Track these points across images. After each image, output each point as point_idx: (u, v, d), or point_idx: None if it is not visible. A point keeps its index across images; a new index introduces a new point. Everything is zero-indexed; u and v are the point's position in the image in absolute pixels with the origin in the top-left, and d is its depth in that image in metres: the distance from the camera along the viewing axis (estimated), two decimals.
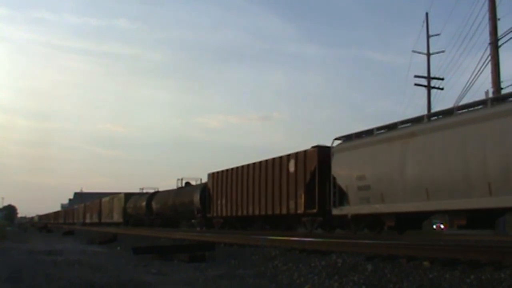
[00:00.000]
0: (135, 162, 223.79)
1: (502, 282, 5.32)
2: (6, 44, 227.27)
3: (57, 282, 6.71)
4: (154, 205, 38.49)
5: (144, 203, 40.32)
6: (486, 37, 22.28)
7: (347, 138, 17.32)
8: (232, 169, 25.58)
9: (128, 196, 45.82)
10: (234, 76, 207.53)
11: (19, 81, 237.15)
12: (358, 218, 16.23)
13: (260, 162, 22.76)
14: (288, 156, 20.64)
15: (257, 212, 22.44)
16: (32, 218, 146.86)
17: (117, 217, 47.73)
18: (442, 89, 32.22)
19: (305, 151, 19.56)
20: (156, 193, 40.53)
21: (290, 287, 6.53)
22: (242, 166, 24.39)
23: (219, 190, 26.46)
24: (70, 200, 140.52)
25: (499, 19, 22.07)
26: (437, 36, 33.44)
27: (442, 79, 31.98)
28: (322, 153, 18.37)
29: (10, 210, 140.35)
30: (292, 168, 20.07)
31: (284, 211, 20.34)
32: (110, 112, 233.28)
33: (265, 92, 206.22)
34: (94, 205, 61.17)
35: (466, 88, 23.83)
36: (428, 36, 32.94)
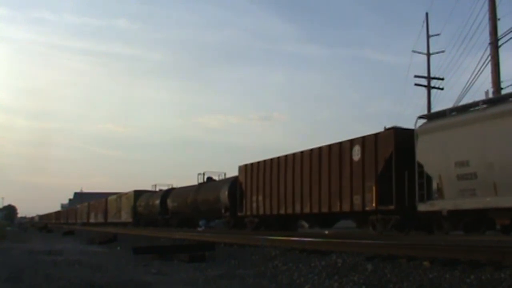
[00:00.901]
0: (135, 162, 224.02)
1: (502, 282, 5.32)
2: (6, 44, 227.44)
3: (57, 282, 6.71)
4: (170, 203, 35.14)
5: (157, 201, 37.06)
6: (486, 37, 22.31)
7: (437, 115, 14.86)
8: (272, 159, 22.45)
9: (138, 193, 42.46)
10: (234, 76, 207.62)
11: (19, 81, 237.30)
12: (457, 215, 13.45)
13: (311, 150, 19.60)
14: (351, 142, 17.40)
15: (307, 210, 19.34)
16: (32, 218, 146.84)
17: (125, 217, 44.61)
18: (442, 89, 32.28)
19: (376, 135, 16.58)
20: (172, 190, 37.14)
21: (290, 287, 6.53)
22: (286, 156, 21.25)
23: (254, 185, 23.26)
24: (70, 200, 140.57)
25: (499, 19, 22.09)
26: (437, 36, 33.46)
27: (442, 79, 32.03)
28: (400, 136, 15.65)
29: (10, 210, 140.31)
30: (357, 156, 17.00)
31: (345, 208, 17.24)
32: (110, 112, 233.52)
33: (265, 92, 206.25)
34: (99, 204, 57.77)
35: (466, 88, 23.84)
36: (428, 36, 32.98)
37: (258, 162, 23.34)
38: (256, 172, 23.34)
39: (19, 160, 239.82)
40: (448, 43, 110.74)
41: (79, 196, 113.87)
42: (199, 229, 31.35)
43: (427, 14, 33.22)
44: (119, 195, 48.80)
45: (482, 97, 22.05)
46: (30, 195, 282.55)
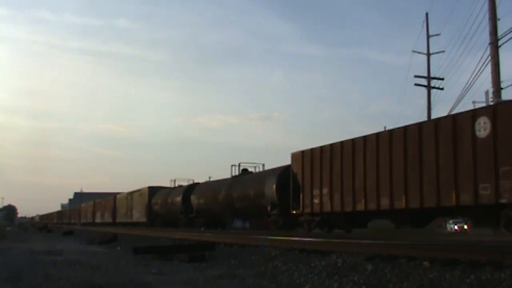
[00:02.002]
0: (135, 162, 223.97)
1: (502, 282, 5.32)
2: (7, 44, 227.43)
3: (57, 282, 6.71)
4: (195, 200, 30.32)
5: (179, 198, 32.55)
6: (486, 37, 22.30)
7: None
8: (342, 142, 17.95)
9: (153, 190, 37.97)
10: (234, 76, 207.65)
11: (19, 81, 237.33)
12: None
13: (405, 128, 15.57)
14: (473, 114, 13.57)
15: (400, 205, 15.35)
16: (32, 218, 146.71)
17: (138, 216, 40.14)
18: (442, 89, 32.30)
19: None
20: (196, 185, 32.48)
21: (290, 287, 6.52)
22: (365, 138, 17.03)
23: (317, 176, 18.76)
24: (70, 200, 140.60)
25: (499, 19, 22.09)
26: (437, 36, 33.53)
27: (442, 79, 32.06)
28: None
29: (10, 210, 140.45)
30: (482, 131, 13.14)
31: (465, 200, 13.42)
32: (110, 112, 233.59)
33: (265, 92, 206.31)
34: (106, 202, 52.94)
35: (466, 88, 23.85)
36: (428, 36, 33.02)
37: (322, 147, 18.87)
38: (319, 160, 18.70)
39: (19, 160, 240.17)
40: (448, 43, 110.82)
41: (79, 196, 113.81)
42: (200, 229, 30.44)
43: (427, 14, 33.29)
44: (130, 193, 43.90)
45: (482, 97, 22.11)
46: (30, 195, 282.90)
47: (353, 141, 17.42)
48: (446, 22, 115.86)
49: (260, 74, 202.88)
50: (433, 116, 30.20)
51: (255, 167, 27.21)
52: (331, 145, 18.56)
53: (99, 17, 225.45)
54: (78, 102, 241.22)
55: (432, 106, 31.91)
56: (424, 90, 32.45)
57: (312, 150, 19.48)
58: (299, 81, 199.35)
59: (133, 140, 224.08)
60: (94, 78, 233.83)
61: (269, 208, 22.00)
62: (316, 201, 18.83)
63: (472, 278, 5.57)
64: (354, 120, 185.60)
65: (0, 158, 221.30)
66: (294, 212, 20.01)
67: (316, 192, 18.84)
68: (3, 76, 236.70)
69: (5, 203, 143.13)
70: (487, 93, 21.90)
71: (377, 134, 16.74)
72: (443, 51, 32.33)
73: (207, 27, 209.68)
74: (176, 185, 36.74)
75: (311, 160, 19.37)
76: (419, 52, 33.20)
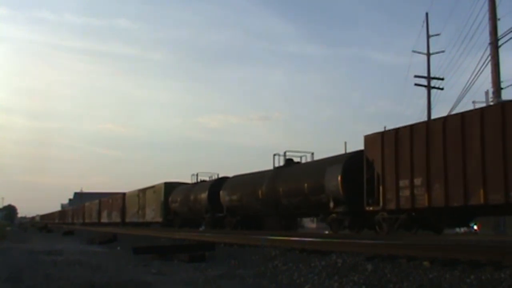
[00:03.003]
0: (135, 162, 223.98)
1: (502, 282, 5.32)
2: (7, 43, 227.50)
3: (57, 282, 6.71)
4: (225, 196, 25.87)
5: (204, 195, 28.30)
6: (486, 37, 22.34)
7: None
8: (445, 118, 14.55)
9: (170, 186, 34.15)
10: (234, 76, 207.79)
11: (19, 81, 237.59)
12: None
13: None
14: None
15: None
16: (33, 218, 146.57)
17: (152, 216, 36.23)
18: (442, 89, 32.32)
19: None
20: (226, 179, 27.89)
21: (290, 287, 6.52)
22: (482, 110, 13.71)
23: (406, 162, 15.04)
24: (70, 200, 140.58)
25: (499, 19, 22.12)
26: (437, 36, 33.53)
27: (442, 79, 32.08)
28: None
29: (10, 210, 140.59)
30: None
31: None
32: (110, 112, 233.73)
33: (265, 92, 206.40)
34: (114, 200, 49.26)
35: (466, 88, 23.85)
36: (428, 36, 33.03)
37: (412, 126, 15.25)
38: (409, 142, 15.06)
39: (19, 160, 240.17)
40: (448, 43, 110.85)
41: (79, 196, 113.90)
42: (200, 228, 29.64)
43: (427, 14, 33.29)
44: (142, 190, 39.84)
45: (482, 97, 22.08)
46: (30, 195, 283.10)
47: (463, 116, 13.84)
48: (446, 22, 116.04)
49: (260, 74, 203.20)
50: (433, 116, 30.20)
51: (301, 157, 23.53)
52: (426, 122, 15.39)
53: (99, 17, 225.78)
54: (78, 102, 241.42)
55: (432, 106, 31.96)
56: (424, 90, 32.50)
57: (397, 130, 15.70)
58: (299, 81, 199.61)
59: (133, 140, 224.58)
60: (94, 78, 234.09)
61: (331, 205, 18.14)
62: (405, 194, 15.12)
63: (472, 278, 5.57)
64: (354, 120, 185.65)
65: (0, 158, 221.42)
66: (371, 208, 16.23)
67: (404, 183, 15.15)
68: (3, 76, 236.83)
69: (5, 203, 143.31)
70: (487, 93, 21.94)
71: (504, 104, 13.48)
72: (443, 51, 32.39)
73: (207, 27, 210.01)
74: (198, 180, 32.03)
75: (395, 143, 15.57)
76: (419, 52, 33.25)
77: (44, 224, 54.28)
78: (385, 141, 15.97)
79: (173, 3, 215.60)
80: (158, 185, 36.09)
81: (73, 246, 16.17)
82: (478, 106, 21.54)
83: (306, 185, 19.60)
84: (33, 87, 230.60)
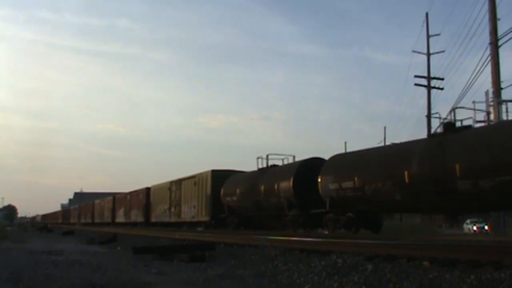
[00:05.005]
0: (135, 162, 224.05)
1: (502, 282, 5.32)
2: (7, 43, 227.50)
3: (57, 282, 6.71)
4: (329, 183, 17.42)
5: (286, 183, 19.94)
6: (486, 37, 22.31)
7: None
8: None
9: (221, 175, 26.23)
10: (235, 76, 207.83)
11: (20, 81, 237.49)
12: None
13: None
14: None
15: None
16: (33, 217, 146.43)
17: (194, 213, 28.48)
18: (442, 89, 32.31)
19: None
20: (320, 160, 19.85)
21: (290, 287, 6.52)
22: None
23: None
24: (70, 200, 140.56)
25: (499, 19, 22.10)
26: (437, 36, 33.49)
27: (442, 79, 32.07)
28: None
29: (10, 210, 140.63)
30: None
31: None
32: (110, 112, 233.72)
33: (265, 92, 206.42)
34: (135, 196, 41.17)
35: (466, 88, 23.80)
36: (428, 36, 33.02)
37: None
38: None
39: (19, 160, 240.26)
40: (448, 43, 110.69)
41: (79, 196, 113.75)
42: (199, 228, 28.01)
43: (427, 14, 33.26)
44: (175, 181, 32.19)
45: (482, 97, 22.08)
46: (30, 195, 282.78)
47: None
48: (446, 22, 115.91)
49: (260, 74, 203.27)
50: (433, 116, 30.22)
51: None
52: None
53: (100, 17, 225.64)
54: (78, 102, 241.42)
55: (432, 106, 31.95)
56: (424, 90, 32.50)
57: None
58: (299, 81, 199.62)
59: (133, 140, 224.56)
60: (94, 78, 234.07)
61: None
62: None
63: (472, 278, 5.57)
64: (354, 120, 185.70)
65: (0, 158, 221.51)
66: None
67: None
68: (3, 76, 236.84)
69: (5, 203, 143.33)
70: (487, 93, 21.86)
71: None
72: (443, 51, 32.32)
73: (207, 27, 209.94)
74: (264, 164, 23.45)
75: None
76: (419, 52, 33.24)
77: (44, 224, 53.72)
78: None
79: (173, 3, 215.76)
80: (201, 174, 28.42)
81: (73, 246, 16.17)
82: (478, 106, 21.55)
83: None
84: (33, 87, 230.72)
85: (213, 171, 27.31)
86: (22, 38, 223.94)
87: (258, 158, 23.62)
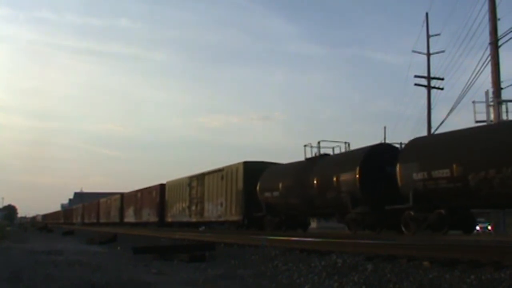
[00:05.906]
0: (135, 162, 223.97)
1: (502, 282, 5.32)
2: (8, 43, 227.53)
3: (57, 282, 6.71)
4: (413, 172, 14.24)
5: (349, 175, 16.90)
6: (486, 37, 22.34)
7: None
8: None
9: (255, 167, 22.91)
10: (235, 76, 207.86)
11: (20, 80, 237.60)
12: None
13: None
14: None
15: None
16: (34, 217, 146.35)
17: (221, 212, 25.09)
18: (442, 89, 32.32)
19: None
20: (390, 147, 17.68)
21: (290, 287, 6.52)
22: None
23: None
24: (70, 200, 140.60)
25: (499, 19, 22.13)
26: (437, 36, 33.49)
27: (442, 79, 32.08)
28: None
29: (10, 210, 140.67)
30: None
31: None
32: (110, 112, 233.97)
33: (266, 92, 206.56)
34: (146, 194, 37.20)
35: (466, 88, 23.82)
36: (428, 36, 33.03)
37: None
38: None
39: (19, 160, 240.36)
40: (448, 43, 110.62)
41: (79, 196, 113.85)
42: (200, 228, 27.83)
43: (427, 14, 33.27)
44: (197, 176, 28.47)
45: (482, 97, 22.08)
46: (30, 195, 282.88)
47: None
48: (446, 22, 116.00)
49: (260, 74, 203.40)
50: (433, 116, 30.27)
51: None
52: None
53: (100, 17, 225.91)
54: (78, 102, 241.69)
55: (432, 106, 31.96)
56: (424, 90, 32.51)
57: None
58: (299, 81, 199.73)
59: (133, 140, 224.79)
60: (95, 78, 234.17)
61: None
62: None
63: (472, 278, 5.57)
64: (354, 120, 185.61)
65: (0, 158, 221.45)
66: None
67: None
68: (3, 76, 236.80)
69: (5, 203, 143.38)
70: (487, 93, 21.85)
71: None
72: (443, 51, 32.33)
73: (208, 27, 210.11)
74: (312, 154, 20.05)
75: None
76: (419, 52, 33.25)
77: (44, 224, 53.57)
78: None
79: (173, 3, 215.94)
80: (230, 166, 24.75)
81: (73, 246, 16.16)
82: (478, 106, 21.53)
83: None
84: (33, 87, 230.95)
85: (245, 162, 23.78)
86: (22, 38, 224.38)
87: (305, 146, 20.14)
